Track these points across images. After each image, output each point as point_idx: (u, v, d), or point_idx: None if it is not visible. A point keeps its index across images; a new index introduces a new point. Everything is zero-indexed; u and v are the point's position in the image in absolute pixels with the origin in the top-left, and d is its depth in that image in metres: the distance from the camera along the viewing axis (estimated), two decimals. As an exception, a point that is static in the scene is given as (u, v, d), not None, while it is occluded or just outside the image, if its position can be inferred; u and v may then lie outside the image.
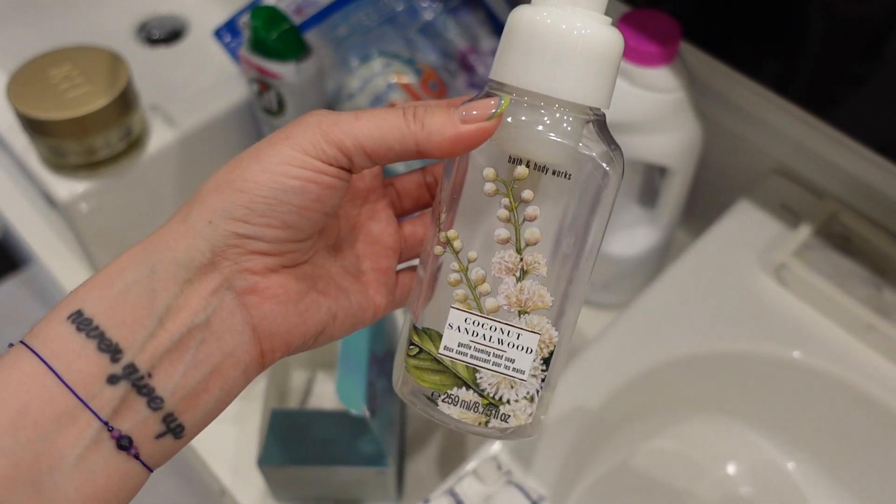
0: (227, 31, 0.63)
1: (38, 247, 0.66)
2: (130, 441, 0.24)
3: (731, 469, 0.53)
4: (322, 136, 0.26)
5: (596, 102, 0.26)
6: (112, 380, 0.24)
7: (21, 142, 0.58)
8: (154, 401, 0.25)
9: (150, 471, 0.25)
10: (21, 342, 0.25)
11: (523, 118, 0.26)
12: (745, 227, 0.56)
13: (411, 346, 0.28)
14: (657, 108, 0.51)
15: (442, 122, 0.26)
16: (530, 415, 0.28)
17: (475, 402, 0.28)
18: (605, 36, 0.26)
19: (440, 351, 0.28)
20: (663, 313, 0.52)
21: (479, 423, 0.28)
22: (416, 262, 0.33)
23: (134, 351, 0.24)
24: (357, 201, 0.31)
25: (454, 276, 0.28)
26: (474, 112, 0.26)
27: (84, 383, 0.24)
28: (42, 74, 0.54)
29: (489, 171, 0.27)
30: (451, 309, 0.28)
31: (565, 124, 0.26)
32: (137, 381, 0.24)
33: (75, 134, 0.53)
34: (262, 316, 0.26)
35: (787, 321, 0.51)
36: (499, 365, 0.28)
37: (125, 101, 0.55)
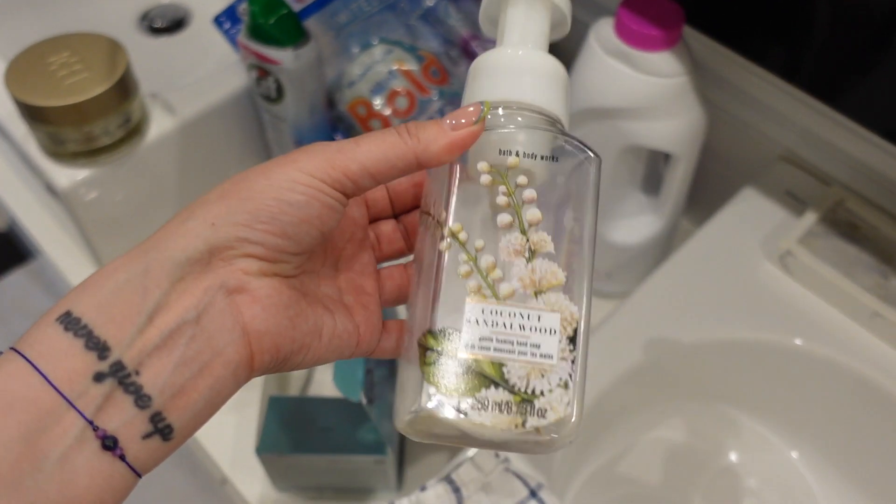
0: (227, 19, 0.63)
1: (41, 237, 0.66)
2: (115, 441, 0.24)
3: (733, 458, 0.52)
4: (328, 162, 0.27)
5: (557, 112, 0.29)
6: (98, 377, 0.24)
7: (20, 130, 0.58)
8: (141, 399, 0.24)
9: (138, 475, 0.25)
10: (10, 347, 0.24)
11: (503, 119, 0.29)
12: (750, 214, 0.55)
13: (429, 353, 0.27)
14: (660, 92, 0.50)
15: (435, 133, 0.28)
16: (568, 404, 0.27)
17: (507, 402, 0.26)
18: (556, 65, 0.30)
19: (462, 349, 0.27)
20: (666, 301, 0.52)
21: (516, 426, 0.26)
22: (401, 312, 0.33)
23: (122, 348, 0.24)
24: (344, 234, 0.32)
25: (464, 268, 0.28)
26: (462, 120, 0.28)
27: (69, 382, 0.23)
28: (40, 61, 0.54)
29: (483, 164, 0.28)
30: (467, 303, 0.27)
31: (538, 120, 0.29)
32: (124, 379, 0.24)
33: (74, 121, 0.53)
34: (253, 315, 0.26)
35: (791, 309, 0.51)
36: (524, 353, 0.27)
37: (124, 88, 0.54)
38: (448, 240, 0.28)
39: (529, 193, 0.28)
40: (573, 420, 0.27)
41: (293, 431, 0.49)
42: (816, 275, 0.50)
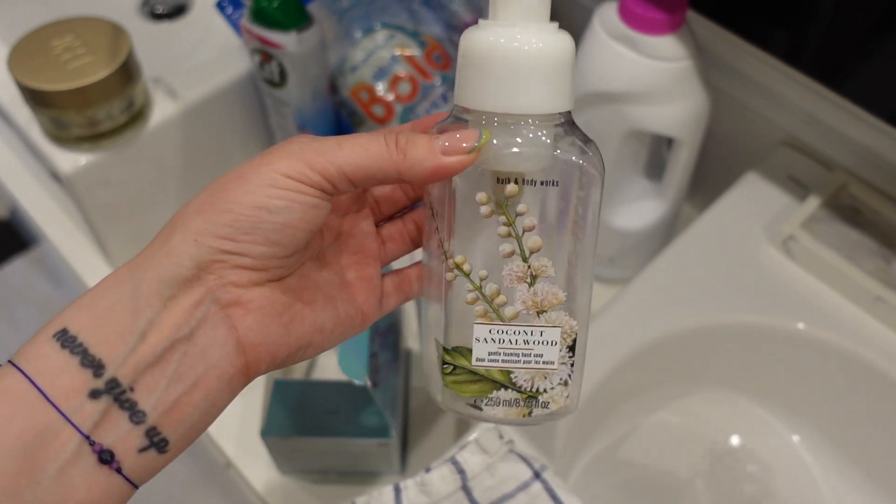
0: (229, 3, 0.62)
1: (44, 223, 0.66)
2: (112, 455, 0.24)
3: (735, 442, 0.52)
4: (306, 164, 0.26)
5: (562, 107, 0.28)
6: (94, 394, 0.24)
7: (24, 114, 0.58)
8: (136, 414, 0.25)
9: (135, 487, 0.26)
10: (9, 361, 0.25)
11: (500, 140, 0.27)
12: (753, 199, 0.55)
13: (445, 366, 0.30)
14: (663, 77, 0.50)
15: (423, 153, 0.27)
16: (567, 396, 0.31)
17: (515, 399, 0.30)
18: (557, 44, 0.27)
19: (473, 363, 0.30)
20: (669, 286, 0.52)
21: (523, 416, 0.31)
22: (397, 264, 0.34)
23: (116, 365, 0.25)
24: (340, 211, 0.31)
25: (470, 296, 0.29)
26: (459, 145, 0.27)
27: (66, 398, 0.24)
28: (44, 45, 0.54)
29: (481, 196, 0.28)
30: (475, 325, 0.29)
31: (541, 135, 0.27)
32: (119, 395, 0.25)
33: (77, 105, 0.53)
34: (247, 327, 0.27)
35: (793, 294, 0.51)
36: (529, 362, 0.30)
37: (127, 72, 0.54)
38: (454, 271, 0.29)
39: (530, 222, 0.28)
40: (571, 406, 0.31)
41: (298, 415, 0.49)
42: (819, 259, 0.50)
